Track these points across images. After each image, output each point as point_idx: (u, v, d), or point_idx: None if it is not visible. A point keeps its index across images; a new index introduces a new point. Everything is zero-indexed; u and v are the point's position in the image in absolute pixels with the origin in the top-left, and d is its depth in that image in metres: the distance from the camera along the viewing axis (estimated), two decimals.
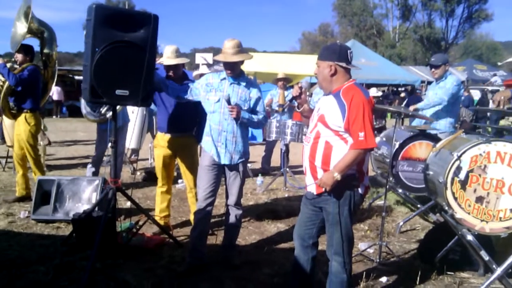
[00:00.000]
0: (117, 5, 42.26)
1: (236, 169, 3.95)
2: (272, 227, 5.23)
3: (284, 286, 3.64)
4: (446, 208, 3.58)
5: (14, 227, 4.90)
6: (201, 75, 6.70)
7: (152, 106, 4.79)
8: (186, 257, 3.98)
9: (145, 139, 7.92)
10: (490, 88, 22.69)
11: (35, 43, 6.04)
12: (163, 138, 4.72)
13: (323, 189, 2.91)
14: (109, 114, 5.96)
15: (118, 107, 5.34)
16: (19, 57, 5.70)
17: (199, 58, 13.01)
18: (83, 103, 6.25)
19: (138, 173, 7.80)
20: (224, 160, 3.88)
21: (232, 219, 4.05)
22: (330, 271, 3.08)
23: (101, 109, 6.22)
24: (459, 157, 3.49)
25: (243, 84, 3.91)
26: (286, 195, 6.86)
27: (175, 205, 5.94)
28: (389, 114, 19.01)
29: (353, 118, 2.81)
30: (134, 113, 6.98)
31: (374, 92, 13.96)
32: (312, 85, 14.59)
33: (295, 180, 7.47)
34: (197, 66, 13.44)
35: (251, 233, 5.01)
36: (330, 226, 3.00)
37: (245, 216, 5.07)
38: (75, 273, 3.73)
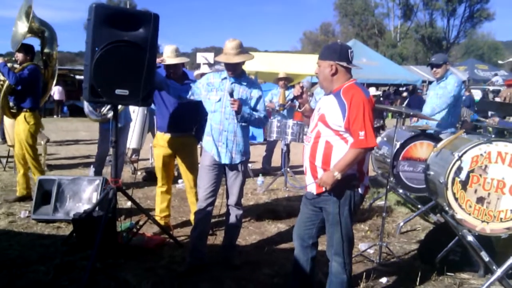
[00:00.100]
0: (119, 4, 42.23)
1: (237, 169, 3.95)
2: (273, 227, 5.23)
3: (284, 286, 3.64)
4: (447, 208, 3.57)
5: (14, 227, 4.90)
6: (202, 74, 6.70)
7: (153, 106, 4.78)
8: (187, 257, 3.99)
9: (146, 139, 7.91)
10: (491, 88, 22.66)
11: (35, 43, 6.07)
12: (162, 137, 4.72)
13: (323, 189, 2.91)
14: (110, 114, 5.96)
15: (119, 106, 5.35)
16: (19, 56, 5.70)
17: (200, 57, 12.99)
18: (86, 102, 6.25)
19: (139, 173, 7.80)
20: (225, 160, 3.88)
21: (232, 219, 4.05)
22: (330, 271, 3.07)
23: (102, 109, 6.23)
24: (460, 157, 3.48)
25: (244, 83, 3.91)
26: (287, 195, 6.85)
27: (176, 205, 5.94)
28: (390, 114, 19.01)
29: (353, 117, 2.81)
30: (135, 113, 6.98)
31: (373, 91, 13.95)
32: (313, 84, 14.55)
33: (295, 180, 7.47)
34: (198, 66, 13.42)
35: (251, 233, 5.01)
36: (330, 226, 3.00)
37: (245, 216, 5.07)
38: (75, 273, 3.74)
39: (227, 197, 4.05)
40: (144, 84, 3.67)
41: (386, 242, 4.49)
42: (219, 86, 3.88)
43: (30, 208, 5.18)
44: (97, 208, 4.32)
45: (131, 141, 7.18)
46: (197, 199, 4.30)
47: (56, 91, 21.02)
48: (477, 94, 19.50)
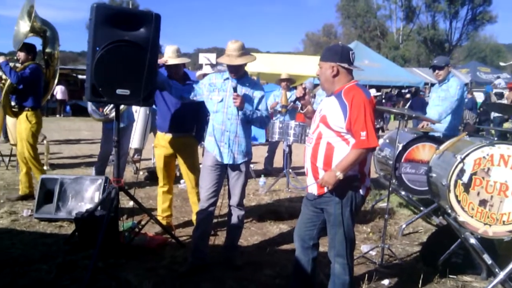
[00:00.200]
0: (121, 4, 42.25)
1: (239, 170, 3.95)
2: (275, 228, 5.23)
3: (286, 287, 3.63)
4: (449, 211, 3.57)
5: (17, 226, 4.91)
6: (205, 75, 6.71)
7: (154, 106, 4.79)
8: (188, 257, 3.99)
9: (148, 139, 7.92)
10: (494, 90, 22.60)
11: (37, 42, 6.08)
12: (163, 138, 4.72)
13: (325, 190, 2.91)
14: (112, 114, 5.97)
15: (122, 106, 5.35)
16: (21, 55, 5.72)
17: (203, 58, 13.01)
18: (89, 102, 6.26)
19: (141, 172, 7.81)
20: (227, 160, 3.88)
21: (234, 219, 4.06)
22: (332, 273, 3.07)
23: (105, 109, 6.24)
24: (462, 160, 3.48)
25: (247, 84, 3.92)
26: (289, 196, 6.85)
27: (177, 205, 5.95)
28: (392, 116, 18.99)
29: (354, 118, 2.81)
30: (137, 113, 6.99)
31: (373, 93, 13.96)
32: (315, 86, 14.58)
33: (297, 181, 7.46)
34: (200, 66, 13.44)
35: (253, 234, 5.01)
36: (331, 228, 3.00)
37: (247, 217, 5.07)
38: (77, 272, 3.74)
39: (229, 198, 4.05)
40: (145, 84, 3.66)
41: (388, 244, 4.48)
42: (221, 87, 3.89)
43: (33, 207, 5.19)
44: (99, 208, 4.33)
45: (133, 141, 7.20)
46: (199, 199, 4.30)
47: (58, 91, 21.09)
48: (479, 97, 19.46)
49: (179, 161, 4.81)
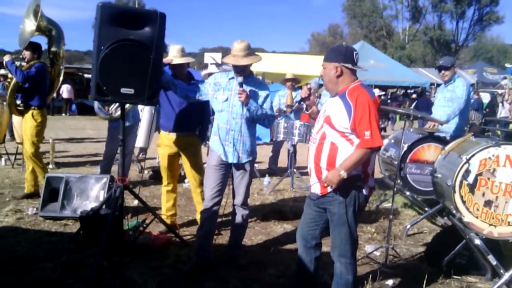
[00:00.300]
0: (127, 3, 42.35)
1: (243, 169, 3.95)
2: (279, 228, 5.23)
3: (289, 287, 3.62)
4: (454, 211, 3.56)
5: (22, 224, 4.93)
6: (210, 74, 6.72)
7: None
8: (192, 256, 3.99)
9: (153, 138, 7.94)
10: (500, 91, 22.50)
11: (42, 41, 6.11)
12: (167, 137, 4.73)
13: (328, 189, 2.91)
14: (118, 113, 5.99)
15: (127, 105, 5.36)
16: (27, 54, 5.75)
17: (208, 57, 13.05)
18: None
19: (146, 171, 7.83)
20: (232, 159, 3.88)
21: (238, 219, 4.06)
22: (335, 273, 3.07)
23: (110, 107, 6.26)
24: (468, 160, 3.46)
25: (252, 83, 3.92)
26: (293, 196, 6.85)
27: (182, 204, 5.96)
28: (397, 116, 18.92)
29: (359, 117, 2.81)
30: (142, 112, 7.01)
31: (377, 92, 13.93)
32: (321, 86, 14.50)
33: (302, 181, 7.46)
34: (206, 66, 13.47)
35: (257, 234, 5.01)
36: (334, 227, 3.00)
37: (251, 216, 5.08)
38: (82, 271, 3.76)
39: (233, 197, 4.06)
40: (150, 83, 3.67)
41: (392, 244, 4.48)
42: (226, 86, 3.90)
43: (38, 205, 5.21)
44: (104, 206, 4.34)
45: (138, 140, 7.21)
46: (203, 199, 4.31)
47: (64, 90, 21.20)
48: (485, 97, 19.38)
49: (183, 160, 4.82)
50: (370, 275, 3.83)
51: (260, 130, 9.20)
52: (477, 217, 3.49)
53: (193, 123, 4.72)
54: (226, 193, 4.06)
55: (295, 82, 7.93)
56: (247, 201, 4.07)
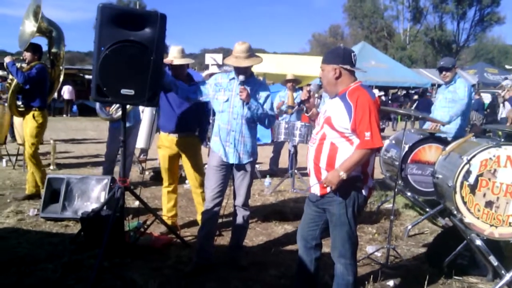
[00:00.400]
0: (128, 5, 42.38)
1: (244, 170, 3.95)
2: (279, 229, 5.23)
3: (290, 287, 3.63)
4: (455, 212, 3.55)
5: (23, 225, 4.93)
6: (211, 75, 6.72)
7: None
8: (193, 257, 3.99)
9: (154, 139, 7.94)
10: (501, 92, 22.47)
11: (43, 42, 6.11)
12: (167, 138, 4.74)
13: (327, 190, 2.91)
14: (118, 113, 5.99)
15: (128, 106, 5.36)
16: (27, 55, 5.76)
17: (209, 58, 13.04)
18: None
19: (147, 172, 7.83)
20: (232, 160, 3.88)
21: (239, 220, 4.06)
22: (336, 273, 3.07)
23: (111, 108, 6.25)
24: (468, 161, 3.47)
25: (253, 84, 3.92)
26: (294, 197, 6.84)
27: (183, 205, 5.96)
28: (399, 117, 18.91)
29: (359, 118, 2.81)
30: (143, 113, 7.00)
31: (376, 93, 13.93)
32: (321, 87, 14.54)
33: (303, 182, 7.45)
34: (207, 67, 13.46)
35: (258, 234, 5.01)
36: (334, 228, 3.00)
37: (252, 217, 5.08)
38: (83, 272, 3.76)
39: (234, 198, 4.06)
40: (150, 84, 3.66)
41: (394, 245, 4.47)
42: (227, 86, 3.90)
43: (39, 206, 5.22)
44: (105, 207, 4.35)
45: (139, 141, 7.22)
46: (203, 199, 4.31)
47: (66, 91, 21.22)
48: (486, 98, 19.36)
49: (183, 161, 4.82)
50: (371, 276, 3.83)
51: (261, 131, 9.19)
52: (478, 218, 3.49)
53: (193, 123, 4.72)
54: (227, 194, 4.06)
55: (295, 83, 7.93)
56: (248, 202, 4.07)
